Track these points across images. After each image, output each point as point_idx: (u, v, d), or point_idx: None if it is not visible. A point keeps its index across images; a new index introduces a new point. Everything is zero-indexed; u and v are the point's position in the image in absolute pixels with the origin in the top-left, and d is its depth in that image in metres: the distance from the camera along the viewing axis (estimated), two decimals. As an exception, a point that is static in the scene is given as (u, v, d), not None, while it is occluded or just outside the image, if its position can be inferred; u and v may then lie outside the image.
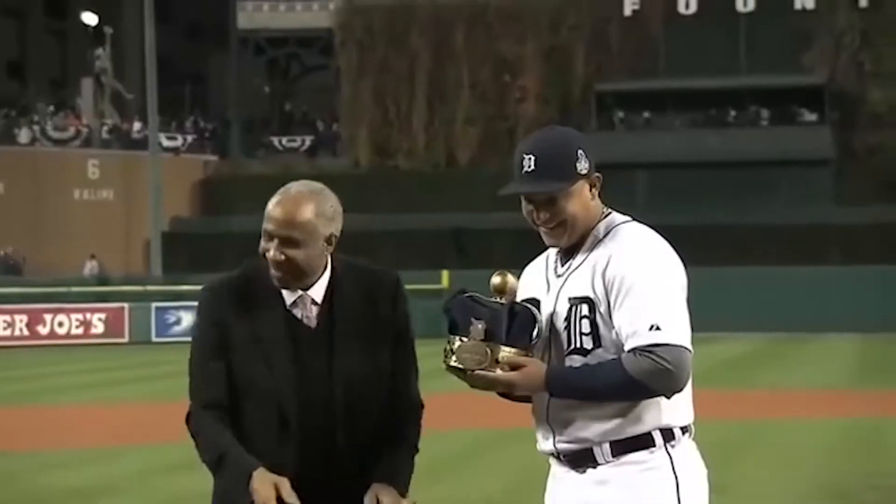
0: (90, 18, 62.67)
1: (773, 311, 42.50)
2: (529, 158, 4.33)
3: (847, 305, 42.18)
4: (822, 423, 18.72)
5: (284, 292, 4.55)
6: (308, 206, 4.44)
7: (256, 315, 4.52)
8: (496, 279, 4.29)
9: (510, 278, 4.30)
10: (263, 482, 4.29)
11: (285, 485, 4.30)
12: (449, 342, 4.30)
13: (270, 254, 4.45)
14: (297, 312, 4.54)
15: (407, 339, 4.62)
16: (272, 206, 4.48)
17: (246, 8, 62.15)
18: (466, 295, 4.31)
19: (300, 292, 4.54)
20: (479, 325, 4.23)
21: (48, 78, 68.21)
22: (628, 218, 4.46)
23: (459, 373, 4.28)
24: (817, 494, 12.67)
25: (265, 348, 4.50)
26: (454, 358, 4.27)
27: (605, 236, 4.37)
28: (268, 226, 4.45)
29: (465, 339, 4.26)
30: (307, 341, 4.52)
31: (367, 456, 4.53)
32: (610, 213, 4.46)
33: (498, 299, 4.28)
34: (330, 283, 4.56)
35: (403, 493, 4.47)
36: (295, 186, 4.55)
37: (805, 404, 21.57)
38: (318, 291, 4.55)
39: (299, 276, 4.49)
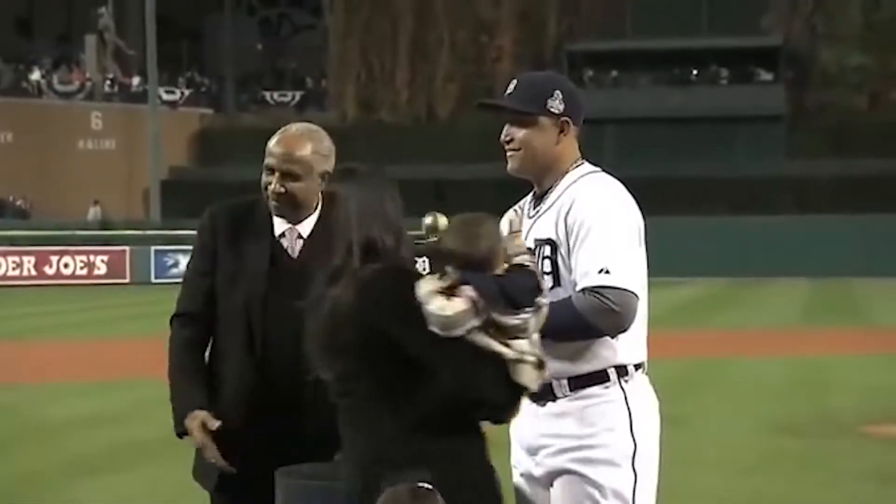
0: (94, -21, 62.18)
1: (729, 257, 42.63)
2: (513, 83, 4.45)
3: (798, 252, 42.34)
4: (774, 361, 18.79)
5: (276, 223, 4.60)
6: (307, 144, 4.55)
7: (244, 240, 4.60)
8: (428, 219, 4.28)
9: (441, 217, 4.28)
10: (194, 424, 4.46)
11: (210, 421, 4.44)
12: None
13: (272, 186, 4.52)
14: (284, 243, 4.59)
15: None
16: (274, 143, 4.56)
17: (240, -30, 61.79)
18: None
19: (289, 225, 4.58)
20: (424, 262, 4.19)
21: (54, 34, 67.69)
22: (597, 169, 4.46)
23: None
24: (769, 428, 12.73)
25: (245, 271, 4.57)
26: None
27: (572, 184, 4.38)
28: (270, 160, 4.53)
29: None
30: (287, 269, 4.56)
31: None
32: (582, 163, 4.46)
33: (433, 238, 4.24)
34: (319, 220, 4.60)
35: None
36: (295, 126, 4.65)
37: (758, 343, 21.65)
38: (306, 227, 4.61)
39: (296, 208, 4.57)
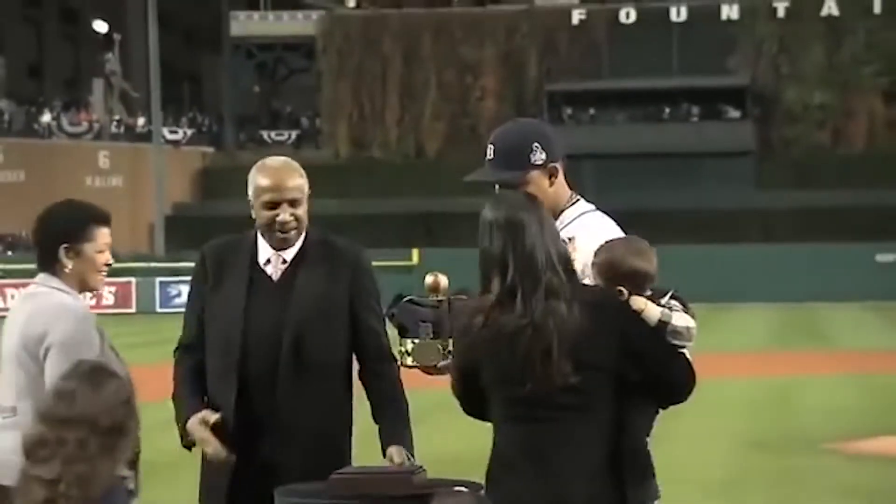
0: (101, 26, 62.23)
1: (701, 284, 42.48)
2: (490, 148, 4.29)
3: (766, 279, 42.39)
4: (744, 382, 18.79)
5: (261, 251, 4.55)
6: (296, 171, 4.55)
7: (228, 272, 4.56)
8: (429, 279, 4.19)
9: (441, 277, 4.19)
10: (194, 425, 4.42)
11: (210, 416, 4.41)
12: (402, 345, 4.22)
13: (282, 217, 4.47)
14: (269, 269, 4.55)
15: (368, 303, 4.60)
16: (267, 179, 4.51)
17: (238, 17, 61.94)
18: (407, 299, 4.21)
19: (274, 251, 4.54)
20: (428, 326, 4.15)
21: (63, 78, 67.74)
22: (593, 207, 4.38)
23: (419, 369, 4.23)
24: (741, 446, 12.72)
25: (225, 300, 4.54)
26: (411, 359, 4.20)
27: (569, 223, 4.30)
28: (271, 196, 4.47)
29: (416, 341, 4.17)
30: (266, 291, 4.53)
31: (313, 408, 4.47)
32: (578, 200, 4.37)
33: (434, 297, 4.18)
34: (301, 247, 4.57)
35: (411, 453, 4.46)
36: (271, 161, 4.62)
37: (729, 365, 21.63)
38: (290, 253, 4.57)
39: (301, 232, 4.53)
